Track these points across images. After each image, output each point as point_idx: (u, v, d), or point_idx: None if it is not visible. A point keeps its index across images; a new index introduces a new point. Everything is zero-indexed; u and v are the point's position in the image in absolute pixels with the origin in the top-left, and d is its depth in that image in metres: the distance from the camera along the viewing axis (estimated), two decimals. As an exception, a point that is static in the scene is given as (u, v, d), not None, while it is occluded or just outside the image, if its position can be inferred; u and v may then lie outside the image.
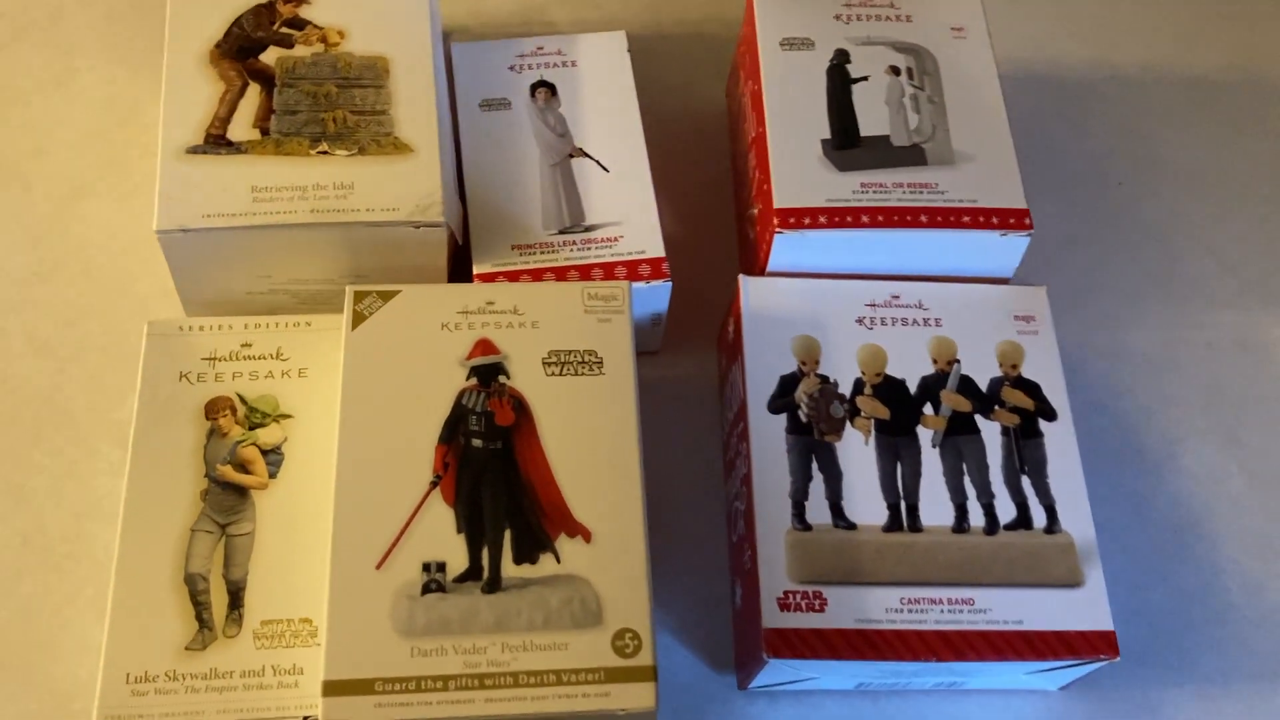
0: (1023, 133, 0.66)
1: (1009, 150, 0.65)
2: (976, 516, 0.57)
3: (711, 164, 0.75)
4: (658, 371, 0.67)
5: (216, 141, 0.59)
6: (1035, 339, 0.62)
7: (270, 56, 0.62)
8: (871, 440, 0.58)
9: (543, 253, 0.62)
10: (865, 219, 0.62)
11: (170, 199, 0.57)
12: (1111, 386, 0.70)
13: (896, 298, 0.62)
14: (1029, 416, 0.60)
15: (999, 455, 0.59)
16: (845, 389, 0.59)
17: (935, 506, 0.57)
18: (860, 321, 0.61)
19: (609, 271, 0.61)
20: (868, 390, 0.59)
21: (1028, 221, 0.63)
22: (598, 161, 0.65)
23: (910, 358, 0.61)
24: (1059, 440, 0.59)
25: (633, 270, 0.61)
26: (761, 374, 0.59)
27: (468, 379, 0.54)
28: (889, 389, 0.60)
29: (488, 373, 0.54)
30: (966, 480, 0.58)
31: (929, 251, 0.63)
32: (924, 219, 0.62)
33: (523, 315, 0.56)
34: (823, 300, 0.62)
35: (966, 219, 0.63)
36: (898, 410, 0.59)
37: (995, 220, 0.63)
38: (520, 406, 0.54)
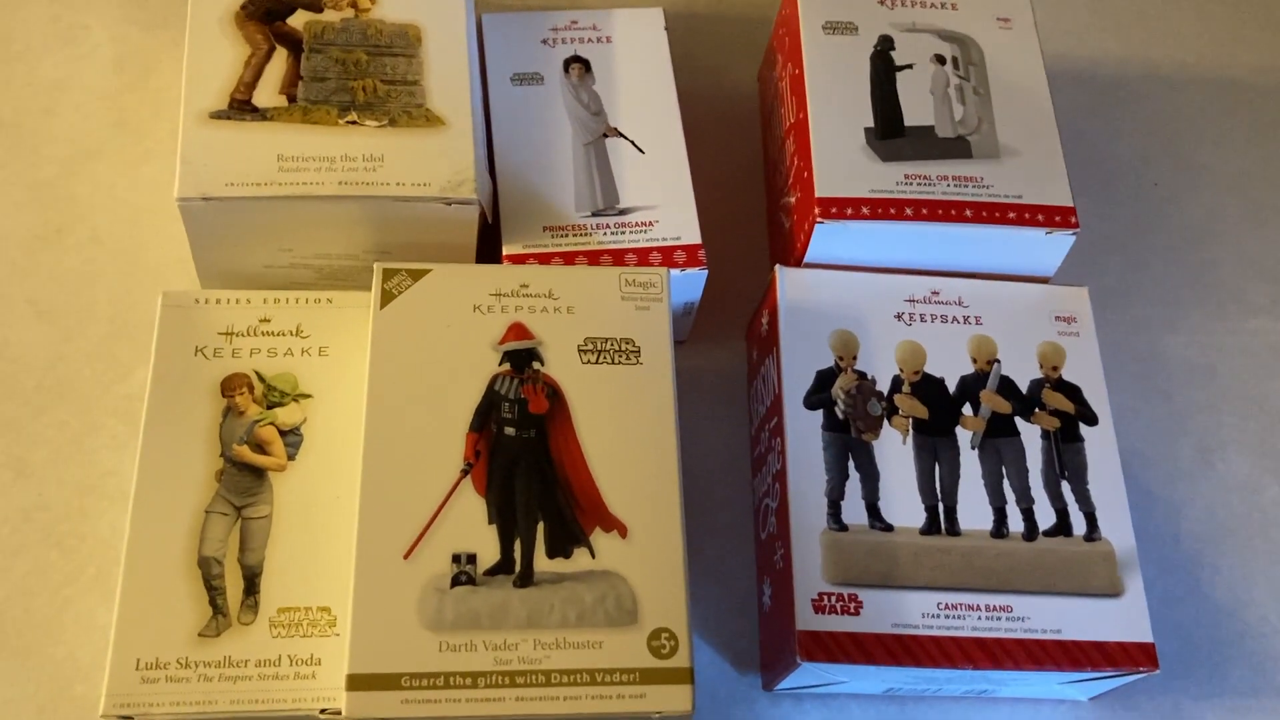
0: (1059, 129, 0.64)
1: (1055, 145, 0.63)
2: (1015, 521, 0.55)
3: (742, 148, 0.73)
4: (685, 361, 0.64)
5: (241, 107, 0.57)
6: (1076, 341, 0.60)
7: (298, 20, 0.60)
8: (909, 440, 0.57)
9: (575, 235, 0.59)
10: (909, 211, 0.60)
11: (192, 166, 0.55)
12: (1146, 391, 0.68)
13: (936, 294, 0.60)
14: (1069, 420, 0.58)
15: (1039, 459, 0.57)
16: (883, 386, 0.58)
17: (973, 510, 0.55)
18: (899, 317, 0.59)
19: (643, 257, 0.59)
20: (906, 388, 0.58)
21: (1074, 220, 0.61)
22: (633, 142, 0.63)
23: (949, 356, 0.59)
24: (1100, 446, 0.58)
25: (668, 256, 0.59)
26: (797, 368, 0.57)
27: (500, 364, 0.52)
28: (928, 388, 0.58)
29: (521, 358, 0.52)
30: (1006, 484, 0.56)
31: (971, 247, 0.62)
32: (968, 214, 0.61)
33: (558, 299, 0.54)
34: (861, 294, 0.60)
35: (1011, 215, 0.61)
36: (936, 410, 0.57)
37: (1040, 217, 0.61)
38: (555, 394, 0.52)
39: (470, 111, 0.58)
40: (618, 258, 0.59)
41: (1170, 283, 0.72)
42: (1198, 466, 0.66)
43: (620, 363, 0.53)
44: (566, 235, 0.59)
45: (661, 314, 0.54)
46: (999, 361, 0.59)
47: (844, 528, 0.54)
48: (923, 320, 0.59)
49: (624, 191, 0.61)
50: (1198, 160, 0.77)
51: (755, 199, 0.72)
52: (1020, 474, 0.56)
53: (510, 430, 0.51)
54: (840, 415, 0.57)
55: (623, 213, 0.61)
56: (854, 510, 0.54)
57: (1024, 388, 0.58)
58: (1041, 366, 0.59)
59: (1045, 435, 0.57)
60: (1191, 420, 0.68)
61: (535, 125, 0.63)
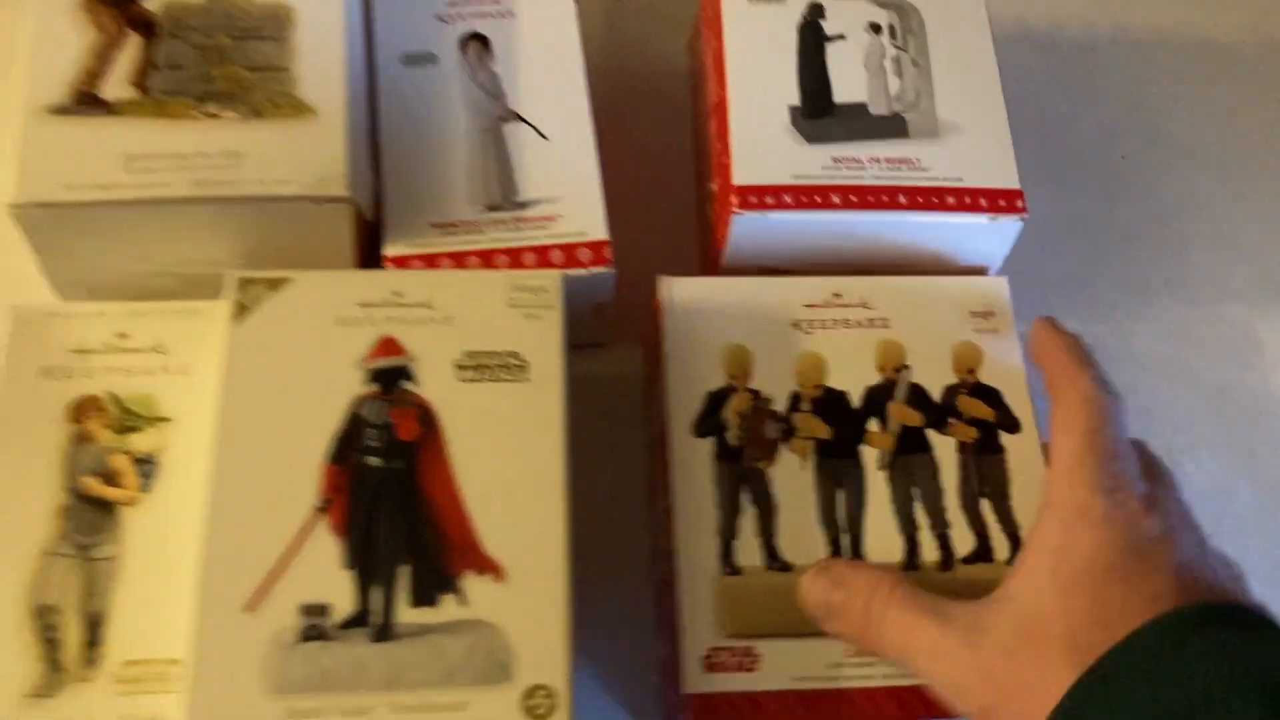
0: (1015, 101, 0.58)
1: (1001, 121, 0.57)
2: (930, 549, 0.50)
3: (673, 131, 0.67)
4: (600, 367, 0.59)
5: (86, 100, 0.51)
6: (994, 338, 0.54)
7: (154, 3, 0.54)
8: (810, 464, 0.51)
9: (466, 233, 0.54)
10: (836, 199, 0.55)
11: (29, 168, 0.49)
12: (1109, 388, 0.63)
13: (838, 296, 0.54)
14: (988, 429, 0.52)
15: (955, 476, 0.51)
16: (782, 405, 0.52)
17: (883, 539, 0.50)
18: (797, 325, 0.53)
19: (543, 256, 0.53)
20: (805, 405, 0.52)
21: (1020, 204, 0.55)
22: (535, 128, 0.57)
23: (853, 366, 0.53)
24: (1022, 456, 0.52)
25: (570, 255, 0.54)
26: (685, 391, 0.51)
27: (366, 384, 0.47)
28: (829, 403, 0.52)
29: (390, 377, 0.47)
30: (917, 507, 0.50)
31: (907, 237, 0.56)
32: (902, 200, 0.55)
33: (435, 309, 0.48)
34: (756, 302, 0.54)
35: (950, 200, 0.55)
36: (839, 428, 0.52)
37: (984, 202, 0.55)
38: (427, 418, 0.46)
39: (344, 98, 0.52)
40: (514, 257, 0.53)
41: (1138, 267, 0.66)
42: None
43: (504, 379, 0.47)
44: (457, 233, 0.54)
45: (553, 323, 0.49)
46: (908, 368, 0.53)
47: (738, 571, 0.48)
48: (823, 327, 0.53)
49: (524, 183, 0.55)
50: (1170, 132, 0.70)
51: (688, 185, 0.66)
52: (934, 494, 0.51)
53: (374, 460, 0.45)
54: (733, 442, 0.51)
55: (521, 206, 0.55)
56: (749, 549, 0.49)
57: (937, 396, 0.53)
58: (956, 370, 0.53)
59: (961, 448, 0.52)
60: (1160, 418, 0.62)
61: (427, 111, 0.57)
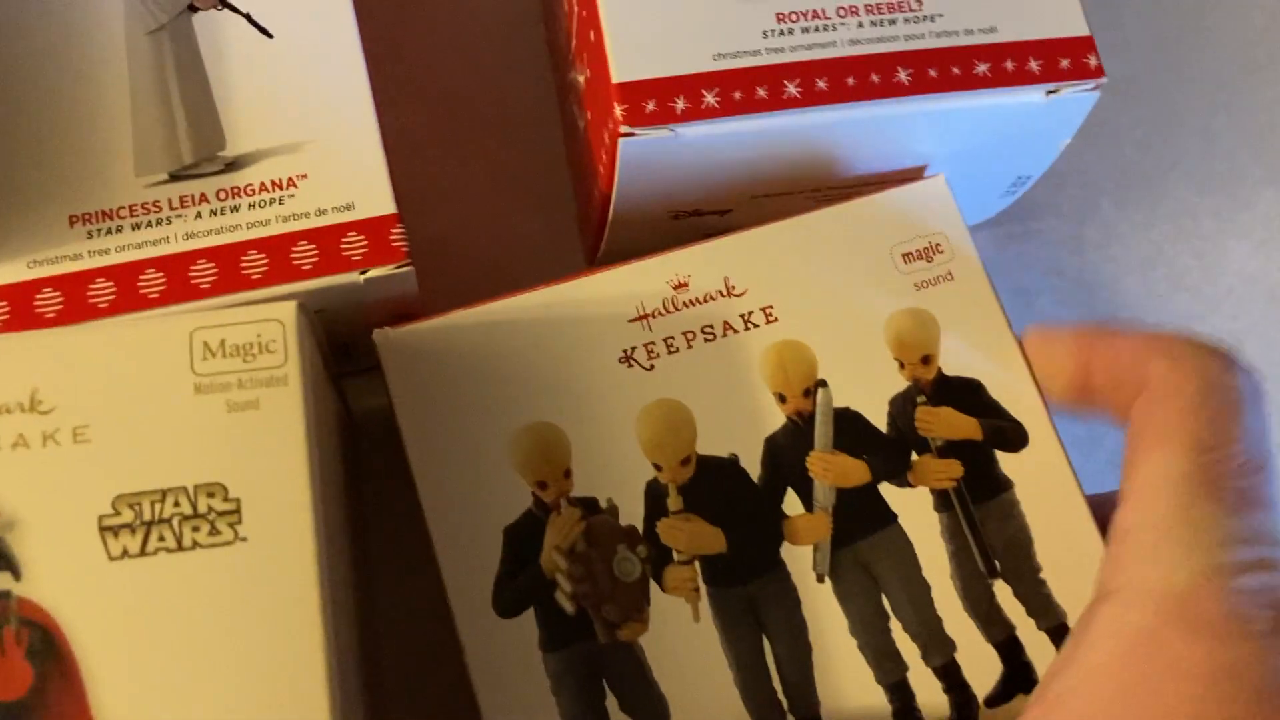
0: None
1: (1048, -77, 0.34)
2: (932, 696, 0.28)
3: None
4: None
5: None
6: (950, 290, 0.32)
7: None
8: (704, 606, 0.28)
9: (137, 226, 0.30)
10: (794, 89, 0.31)
11: None
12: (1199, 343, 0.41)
13: (683, 287, 0.31)
14: (977, 455, 0.30)
15: (942, 555, 0.29)
16: (634, 511, 0.29)
17: (852, 699, 0.28)
18: (628, 360, 0.30)
19: (279, 256, 0.30)
20: (673, 500, 0.29)
21: (1093, 63, 0.33)
22: (249, 17, 0.32)
23: (735, 406, 0.30)
24: (1042, 483, 0.30)
25: (329, 249, 0.30)
26: (463, 539, 0.28)
27: (-87, 597, 0.23)
28: (711, 484, 0.29)
29: (-38, 575, 0.23)
30: (895, 628, 0.29)
31: (910, 137, 0.33)
32: (903, 79, 0.32)
33: (48, 412, 0.25)
34: (546, 339, 0.30)
35: (983, 68, 0.32)
36: (736, 524, 0.29)
37: (1035, 65, 0.32)
38: (47, 648, 0.23)
39: None
40: (227, 264, 0.29)
41: (1230, 149, 0.44)
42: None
43: (195, 545, 0.24)
44: (119, 230, 0.30)
45: (287, 412, 0.25)
46: (823, 385, 0.30)
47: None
48: (670, 350, 0.30)
49: (234, 124, 0.31)
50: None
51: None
52: (916, 598, 0.29)
53: (-64, 765, 0.22)
54: (568, 607, 0.28)
55: (232, 167, 0.31)
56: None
57: (881, 420, 0.30)
58: (902, 365, 0.31)
59: (943, 502, 0.30)
60: (1277, 384, 0.41)
61: (54, 11, 0.32)
